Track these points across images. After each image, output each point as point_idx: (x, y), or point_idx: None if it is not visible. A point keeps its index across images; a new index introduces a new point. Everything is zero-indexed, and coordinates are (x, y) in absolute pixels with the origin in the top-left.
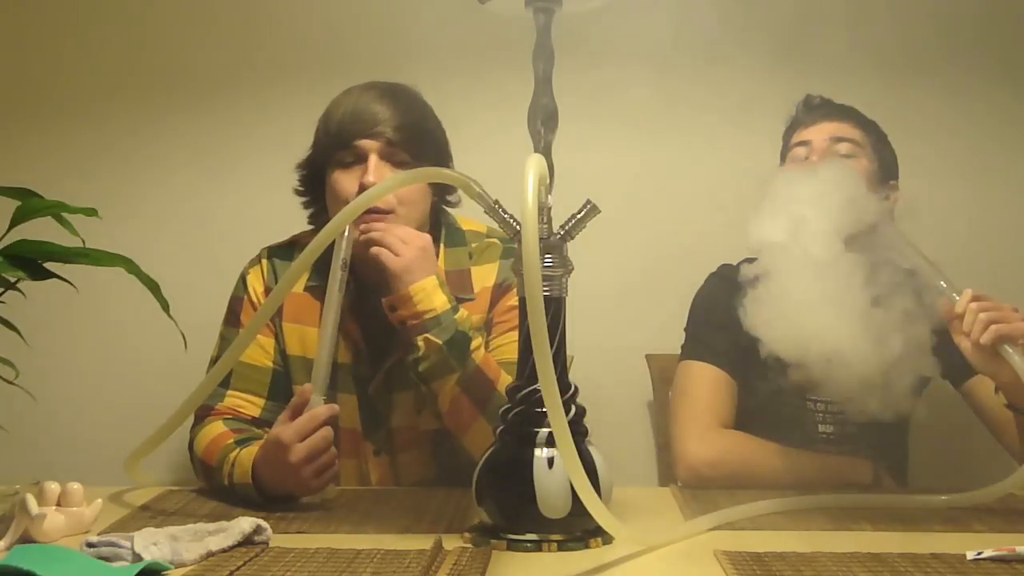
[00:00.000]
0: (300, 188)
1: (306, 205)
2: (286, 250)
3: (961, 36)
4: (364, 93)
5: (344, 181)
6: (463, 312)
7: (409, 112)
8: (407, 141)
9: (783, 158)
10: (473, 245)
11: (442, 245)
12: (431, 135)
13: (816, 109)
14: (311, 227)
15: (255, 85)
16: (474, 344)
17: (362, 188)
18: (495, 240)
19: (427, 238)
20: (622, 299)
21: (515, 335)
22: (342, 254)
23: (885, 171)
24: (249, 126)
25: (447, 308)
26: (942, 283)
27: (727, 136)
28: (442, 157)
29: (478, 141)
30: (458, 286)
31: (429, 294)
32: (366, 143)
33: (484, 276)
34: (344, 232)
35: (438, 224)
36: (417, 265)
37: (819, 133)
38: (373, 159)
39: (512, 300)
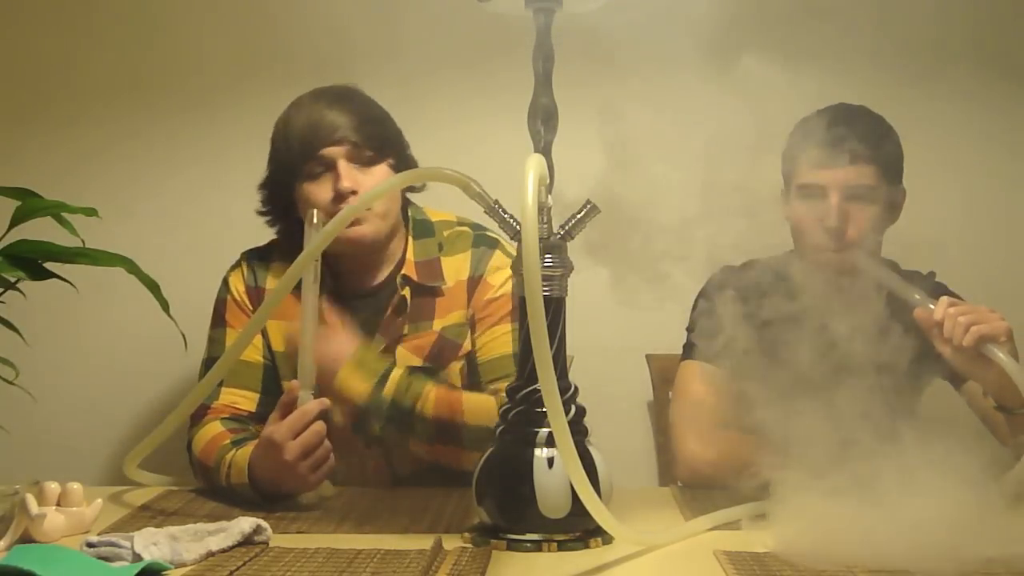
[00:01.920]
0: (263, 208)
1: (271, 223)
2: (264, 252)
3: (960, 37)
4: (315, 103)
5: (316, 192)
6: (395, 373)
7: (361, 111)
8: (369, 138)
9: (786, 183)
10: (445, 234)
11: (410, 237)
12: (387, 127)
13: (828, 144)
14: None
15: (256, 86)
16: (424, 392)
17: (338, 194)
18: (466, 228)
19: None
20: (622, 299)
21: (501, 328)
22: None
23: (895, 188)
24: (249, 127)
25: (367, 393)
26: (916, 296)
27: (730, 135)
28: (401, 144)
29: (478, 141)
30: (428, 275)
31: (348, 385)
32: (332, 151)
33: (457, 268)
34: (313, 221)
35: (405, 216)
36: (333, 358)
37: (833, 181)
38: (342, 164)
39: (488, 293)
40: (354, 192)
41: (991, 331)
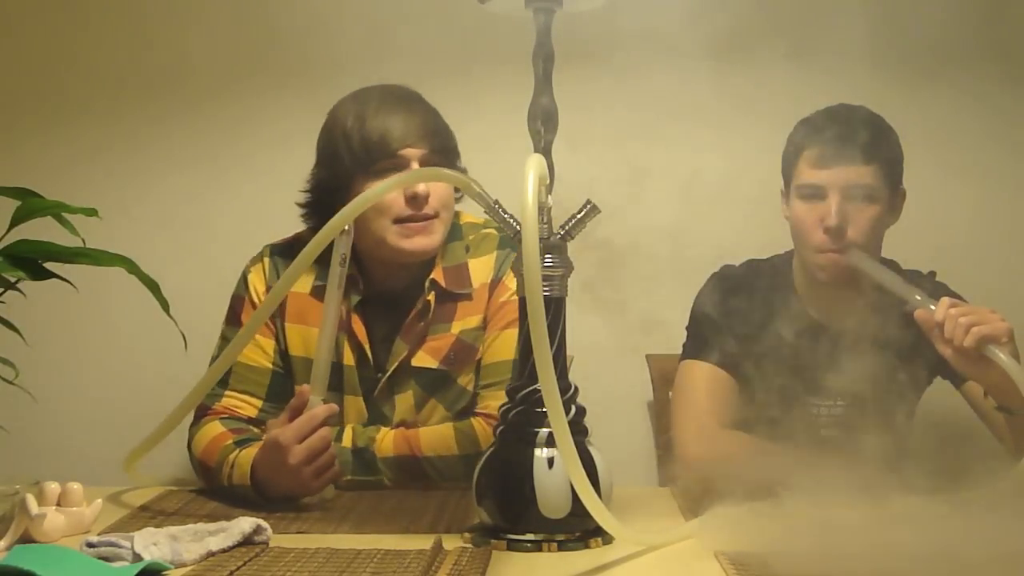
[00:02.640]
0: (307, 199)
1: (306, 218)
2: (288, 248)
3: (963, 36)
4: (388, 100)
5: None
6: (347, 434)
7: (434, 119)
8: (440, 148)
9: (786, 183)
10: (470, 237)
11: None
12: (451, 138)
13: (828, 144)
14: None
15: (255, 87)
16: (378, 437)
17: (413, 196)
18: (491, 231)
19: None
20: (622, 299)
21: (508, 333)
22: (341, 251)
23: (895, 189)
24: (249, 127)
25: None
26: (917, 296)
27: (729, 135)
28: (457, 154)
29: (478, 141)
30: (456, 282)
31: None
32: (409, 151)
33: (482, 271)
34: (345, 229)
35: None
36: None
37: (834, 182)
38: (415, 167)
39: (503, 296)
40: (427, 197)
41: (992, 332)
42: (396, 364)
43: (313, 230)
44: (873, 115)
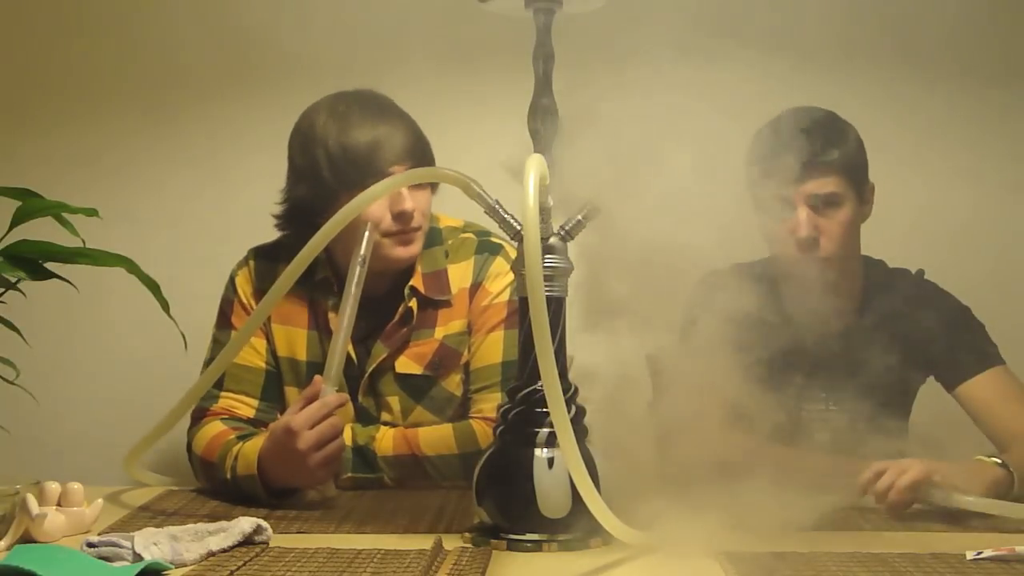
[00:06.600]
0: (286, 211)
1: (282, 226)
2: (271, 251)
3: (959, 35)
4: (364, 115)
5: (371, 209)
6: (346, 432)
7: (411, 127)
8: (421, 158)
9: (751, 189)
10: (449, 242)
11: None
12: (426, 142)
13: (791, 157)
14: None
15: (254, 87)
16: (378, 436)
17: (401, 213)
18: (470, 235)
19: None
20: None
21: (493, 336)
22: (362, 251)
23: (862, 185)
24: (249, 128)
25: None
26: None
27: (727, 135)
28: (433, 160)
29: (478, 141)
30: (435, 288)
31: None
32: (397, 169)
33: (461, 276)
34: (365, 230)
35: None
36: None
37: (800, 194)
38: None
39: (484, 300)
40: (413, 212)
41: (914, 479)
42: (375, 365)
43: (291, 235)
44: (828, 115)
